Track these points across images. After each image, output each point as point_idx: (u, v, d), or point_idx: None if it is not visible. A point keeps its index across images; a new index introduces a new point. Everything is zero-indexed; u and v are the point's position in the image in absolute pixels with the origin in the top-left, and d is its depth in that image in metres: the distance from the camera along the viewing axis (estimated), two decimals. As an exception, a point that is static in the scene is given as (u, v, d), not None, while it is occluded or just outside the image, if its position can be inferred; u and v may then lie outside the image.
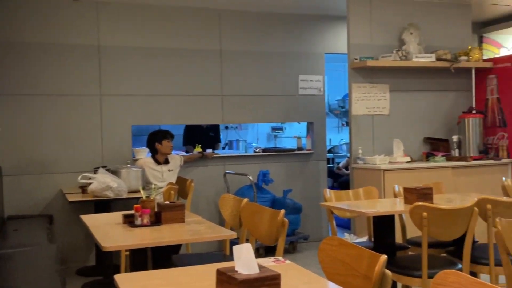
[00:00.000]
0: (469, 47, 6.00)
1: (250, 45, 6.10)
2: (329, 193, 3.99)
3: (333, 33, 6.45)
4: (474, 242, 3.61)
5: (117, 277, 1.92)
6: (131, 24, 5.63)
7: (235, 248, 1.67)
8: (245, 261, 1.63)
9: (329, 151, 8.34)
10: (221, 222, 4.62)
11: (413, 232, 3.41)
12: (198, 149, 5.88)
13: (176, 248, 4.47)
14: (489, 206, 3.27)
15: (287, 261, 2.16)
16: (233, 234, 2.79)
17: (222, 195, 3.68)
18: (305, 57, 6.34)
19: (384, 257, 1.86)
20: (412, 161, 5.64)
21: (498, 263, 3.05)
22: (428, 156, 5.78)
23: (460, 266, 3.19)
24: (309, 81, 6.31)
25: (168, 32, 5.76)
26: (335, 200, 3.97)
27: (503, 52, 7.10)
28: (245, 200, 3.32)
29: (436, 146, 5.95)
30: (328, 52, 6.46)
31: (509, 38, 7.24)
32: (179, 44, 5.80)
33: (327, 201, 3.91)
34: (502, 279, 2.96)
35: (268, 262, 2.15)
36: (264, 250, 5.43)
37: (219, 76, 5.97)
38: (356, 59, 5.63)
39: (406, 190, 3.64)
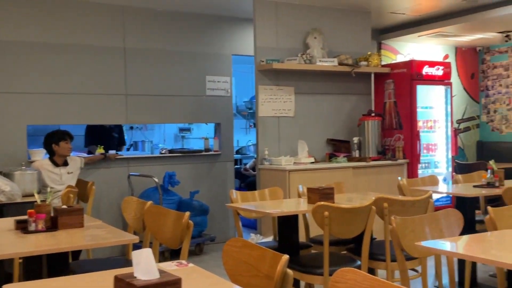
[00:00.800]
0: (369, 53, 6.29)
1: (155, 43, 5.98)
2: (235, 194, 3.99)
3: (241, 35, 6.49)
4: (372, 239, 3.77)
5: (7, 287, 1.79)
6: (28, 17, 5.31)
7: (134, 253, 1.61)
8: (144, 266, 1.58)
9: (237, 152, 8.39)
10: (125, 226, 4.47)
11: (316, 230, 3.49)
12: (100, 150, 5.65)
13: (75, 254, 4.26)
14: (385, 204, 3.42)
15: (190, 264, 2.11)
16: (135, 239, 2.70)
17: (125, 198, 3.56)
18: (213, 58, 6.32)
19: (285, 257, 1.88)
20: (316, 161, 5.81)
21: (394, 259, 3.21)
22: (331, 157, 5.99)
23: (359, 262, 3.32)
24: (217, 82, 6.30)
25: (68, 27, 5.49)
26: (241, 201, 3.98)
27: (399, 58, 7.53)
28: (149, 202, 3.23)
29: (338, 147, 6.17)
30: (236, 54, 6.49)
31: (405, 45, 7.69)
32: (80, 40, 5.56)
33: (233, 202, 3.91)
34: (398, 274, 3.11)
35: (171, 266, 2.09)
36: (170, 254, 5.33)
37: (123, 74, 5.79)
38: (263, 61, 5.70)
39: (309, 190, 3.72)
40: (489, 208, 2.80)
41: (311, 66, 5.81)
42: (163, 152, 6.11)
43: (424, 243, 2.37)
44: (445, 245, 2.44)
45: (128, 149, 7.04)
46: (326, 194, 3.61)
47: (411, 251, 2.64)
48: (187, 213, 2.80)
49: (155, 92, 5.96)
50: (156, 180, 5.41)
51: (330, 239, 3.30)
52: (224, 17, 6.38)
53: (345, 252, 3.78)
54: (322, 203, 3.20)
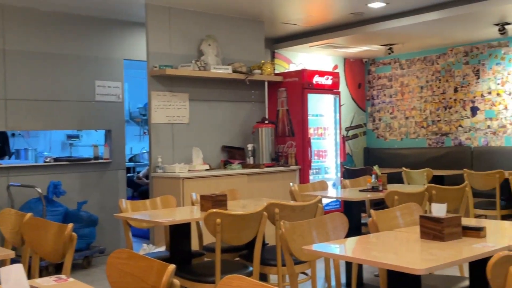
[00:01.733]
0: (262, 61, 6.40)
1: (39, 45, 5.63)
2: (124, 203, 3.84)
3: (133, 39, 6.31)
4: (265, 245, 3.81)
5: None
6: None
7: (2, 270, 1.48)
8: (14, 283, 1.45)
9: (130, 160, 8.14)
10: (2, 241, 4.13)
11: (211, 238, 3.45)
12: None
13: None
14: (277, 210, 3.47)
15: (71, 279, 1.98)
16: (11, 253, 2.48)
17: (1, 210, 3.28)
18: (102, 62, 6.08)
19: (171, 267, 1.82)
20: (211, 169, 5.78)
21: (285, 264, 3.25)
22: (225, 164, 5.99)
23: (251, 269, 3.33)
24: (107, 87, 6.07)
25: None
26: (131, 210, 3.84)
27: (292, 68, 7.75)
28: (29, 215, 3.00)
29: (233, 154, 6.19)
30: (128, 59, 6.30)
31: (298, 55, 7.93)
32: (-47, 39, 5.09)
33: (122, 211, 3.76)
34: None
35: (48, 281, 1.95)
36: (55, 268, 5.01)
37: (2, 77, 5.38)
38: (156, 67, 5.58)
39: (202, 197, 3.68)
40: (371, 211, 2.93)
41: (206, 73, 5.79)
42: (47, 160, 5.75)
43: (310, 247, 2.42)
44: (330, 248, 2.50)
45: (9, 158, 6.54)
46: (219, 201, 3.59)
47: (299, 255, 2.69)
48: (70, 225, 2.63)
49: (39, 97, 5.60)
50: (39, 190, 5.07)
51: (223, 246, 3.28)
52: (115, 21, 6.17)
53: (238, 258, 3.78)
54: (214, 210, 3.17)
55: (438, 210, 2.48)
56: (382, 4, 5.83)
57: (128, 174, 7.37)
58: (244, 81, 6.12)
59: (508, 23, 6.30)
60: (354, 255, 2.41)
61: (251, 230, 3.30)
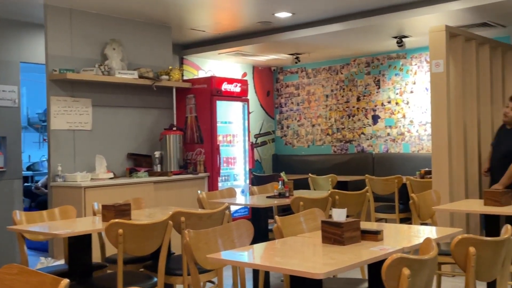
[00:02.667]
0: (170, 67, 6.30)
1: None
2: (19, 215, 3.59)
3: (31, 41, 5.96)
4: (171, 254, 3.72)
5: None
6: None
7: None
8: None
9: (28, 169, 7.68)
10: None
11: (114, 249, 3.30)
12: None
13: None
14: (182, 218, 3.40)
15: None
16: None
17: None
18: (-3, 64, 5.69)
19: (65, 281, 1.72)
20: (115, 177, 5.58)
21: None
22: (131, 172, 5.81)
23: (155, 279, 3.23)
24: (1, 92, 5.68)
25: None
26: (26, 222, 3.60)
27: (201, 74, 7.70)
28: None
29: (139, 161, 6.02)
30: (25, 61, 5.94)
31: (207, 61, 7.90)
32: None
33: (16, 224, 3.52)
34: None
35: None
36: None
37: None
38: (55, 70, 5.31)
39: (104, 207, 3.52)
40: (276, 217, 2.95)
41: (110, 78, 5.59)
42: None
43: (214, 255, 2.38)
44: (235, 255, 2.48)
45: None
46: (122, 211, 3.45)
47: (204, 264, 2.64)
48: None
49: None
50: None
51: (127, 257, 3.15)
52: (10, 21, 5.80)
53: (142, 269, 3.66)
54: (116, 220, 3.05)
55: (339, 215, 2.53)
56: (289, 14, 5.96)
57: (26, 184, 6.94)
58: (151, 87, 5.99)
59: (405, 36, 6.68)
60: (257, 262, 2.41)
61: (156, 240, 3.20)
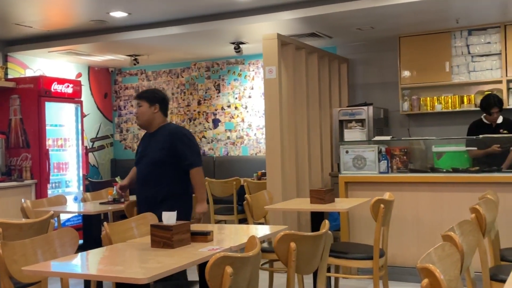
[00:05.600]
0: (-9, 64, 5.72)
1: None
2: None
3: None
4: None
5: None
6: None
7: None
8: None
9: None
10: None
11: None
12: None
13: None
14: (0, 230, 3.07)
15: None
16: None
17: None
18: None
19: None
20: None
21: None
22: None
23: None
24: None
25: None
26: None
27: (29, 73, 7.10)
28: None
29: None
30: None
31: (36, 60, 7.31)
32: None
33: None
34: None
35: None
36: None
37: None
38: None
39: None
40: (105, 224, 2.81)
41: None
42: None
43: (29, 267, 2.17)
44: (55, 266, 2.29)
45: None
46: None
47: (20, 277, 2.40)
48: None
49: None
50: None
51: None
52: None
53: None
54: None
55: (168, 218, 2.48)
56: (124, 14, 5.77)
57: None
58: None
59: (242, 43, 6.87)
60: (77, 271, 2.25)
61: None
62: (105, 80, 8.65)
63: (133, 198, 4.62)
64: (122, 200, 4.46)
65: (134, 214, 3.86)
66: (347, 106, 6.65)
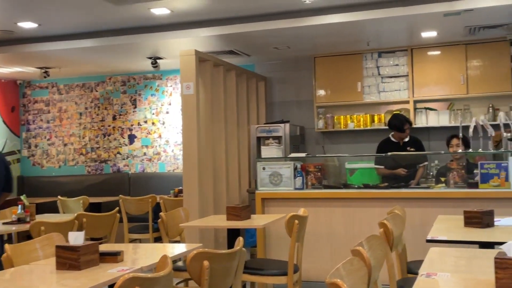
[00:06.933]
0: None
1: None
2: None
3: None
4: None
5: None
6: None
7: None
8: None
9: None
10: None
11: None
12: None
13: None
14: None
15: None
16: None
17: None
18: None
19: None
20: None
21: None
22: None
23: None
24: None
25: None
26: None
27: None
28: None
29: None
30: None
31: None
32: None
33: None
34: None
35: None
36: None
37: None
38: None
39: None
40: (6, 245, 2.62)
41: None
42: None
43: None
44: None
45: None
46: None
47: None
48: None
49: None
50: None
51: None
52: None
53: None
54: None
55: (75, 238, 2.36)
56: (34, 25, 5.50)
57: None
58: None
59: (160, 58, 6.78)
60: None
61: None
62: (12, 93, 8.20)
63: (39, 217, 4.38)
64: (28, 219, 4.21)
65: (41, 234, 3.65)
66: (265, 123, 6.73)
